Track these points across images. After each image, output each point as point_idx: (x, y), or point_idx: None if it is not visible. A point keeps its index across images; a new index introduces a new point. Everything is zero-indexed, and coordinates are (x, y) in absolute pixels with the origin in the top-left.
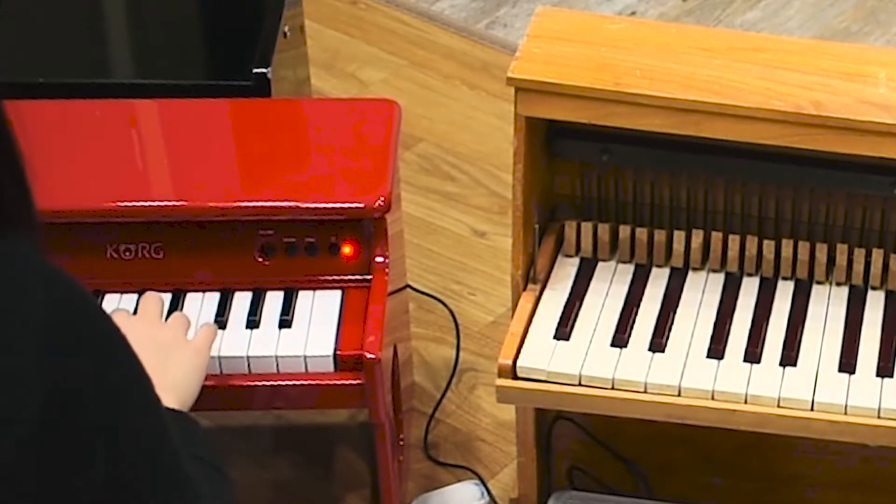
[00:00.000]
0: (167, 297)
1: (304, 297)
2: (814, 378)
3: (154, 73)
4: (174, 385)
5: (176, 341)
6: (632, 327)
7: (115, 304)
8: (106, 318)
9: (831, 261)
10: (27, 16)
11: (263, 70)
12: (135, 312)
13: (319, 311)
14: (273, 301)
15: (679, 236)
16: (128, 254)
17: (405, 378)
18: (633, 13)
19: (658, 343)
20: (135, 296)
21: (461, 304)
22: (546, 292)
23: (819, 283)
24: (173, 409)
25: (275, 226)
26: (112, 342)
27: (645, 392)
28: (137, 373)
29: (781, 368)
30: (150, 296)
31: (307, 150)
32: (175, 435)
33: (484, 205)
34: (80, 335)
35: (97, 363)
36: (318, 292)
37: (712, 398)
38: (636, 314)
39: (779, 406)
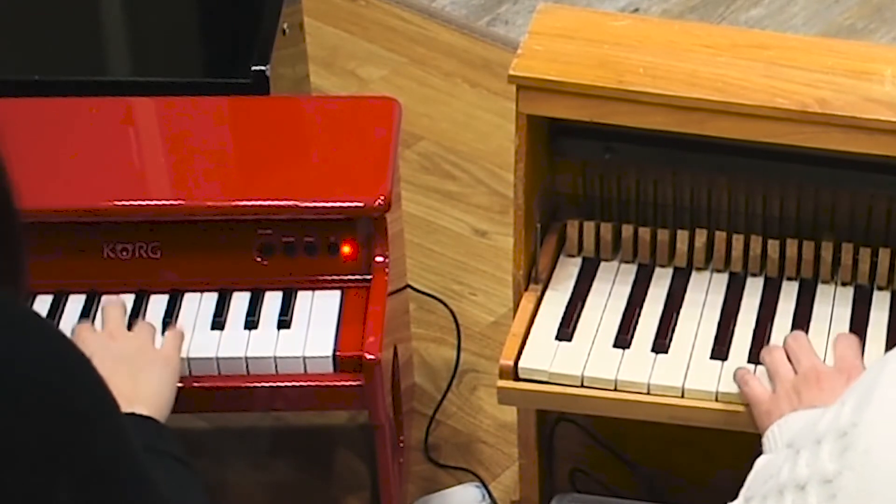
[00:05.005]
0: (164, 297)
1: (303, 298)
2: None
3: (152, 71)
4: (147, 396)
5: (143, 351)
6: (634, 328)
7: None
8: (70, 351)
9: (836, 260)
10: (23, 12)
11: (262, 67)
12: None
13: (319, 311)
14: (272, 301)
15: (682, 236)
16: (125, 253)
17: (405, 379)
18: (636, 10)
19: (661, 344)
20: (132, 296)
21: (462, 304)
22: (548, 292)
23: (824, 283)
24: (141, 415)
25: (273, 225)
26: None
27: (648, 394)
28: (103, 403)
29: None
30: (110, 307)
31: (306, 149)
32: (138, 446)
33: (485, 204)
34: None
35: (59, 397)
36: (318, 292)
37: (716, 400)
38: (639, 315)
39: None
